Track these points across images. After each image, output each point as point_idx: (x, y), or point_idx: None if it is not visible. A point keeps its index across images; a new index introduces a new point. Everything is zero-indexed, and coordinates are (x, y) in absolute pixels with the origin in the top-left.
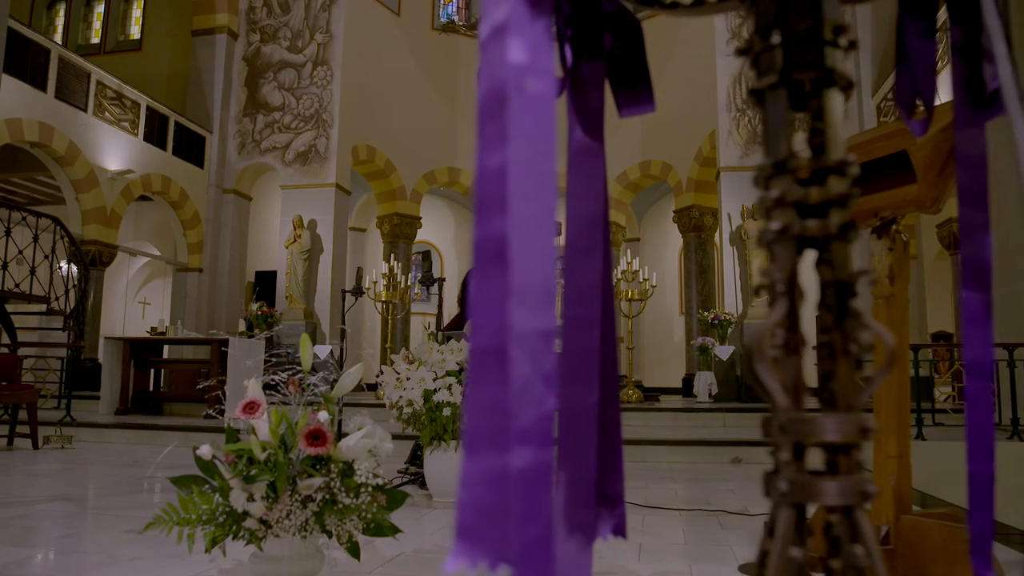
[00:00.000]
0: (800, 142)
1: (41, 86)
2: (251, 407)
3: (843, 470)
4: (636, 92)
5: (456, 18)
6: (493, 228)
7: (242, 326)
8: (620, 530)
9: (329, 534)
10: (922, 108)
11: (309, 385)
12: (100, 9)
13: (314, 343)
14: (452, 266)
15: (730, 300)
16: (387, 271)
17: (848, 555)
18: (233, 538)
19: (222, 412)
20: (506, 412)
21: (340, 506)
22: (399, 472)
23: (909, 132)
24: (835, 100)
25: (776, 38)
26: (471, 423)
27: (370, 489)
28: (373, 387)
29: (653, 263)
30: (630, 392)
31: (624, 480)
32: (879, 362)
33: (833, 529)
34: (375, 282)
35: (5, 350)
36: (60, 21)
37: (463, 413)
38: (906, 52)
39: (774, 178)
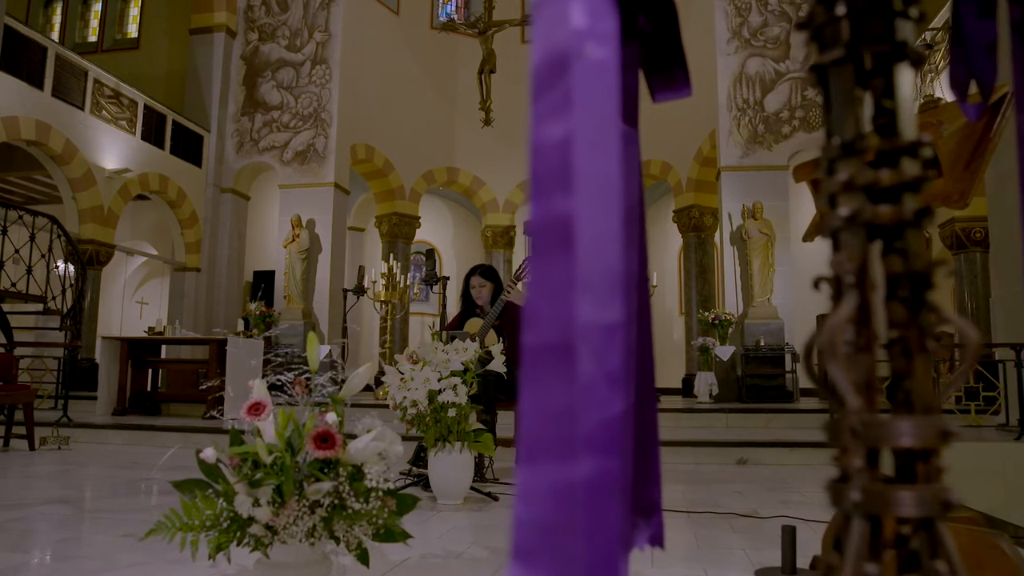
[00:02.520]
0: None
1: (38, 84)
2: (256, 408)
3: (921, 478)
4: (671, 76)
5: (455, 17)
6: (555, 208)
7: (240, 326)
8: (657, 539)
9: (337, 540)
10: (976, 92)
11: (316, 386)
12: (97, 8)
13: None
14: (451, 266)
15: (730, 300)
16: (386, 271)
17: (930, 572)
18: (238, 544)
19: (222, 413)
20: (570, 417)
21: (349, 511)
22: (402, 474)
23: (934, 125)
24: (905, 76)
25: (841, 9)
26: (528, 429)
27: (380, 493)
28: (370, 388)
29: (653, 263)
30: None
31: (661, 486)
32: (962, 359)
33: (910, 543)
34: (374, 282)
35: (1, 350)
36: (57, 19)
37: (519, 418)
38: (962, 33)
39: (841, 160)
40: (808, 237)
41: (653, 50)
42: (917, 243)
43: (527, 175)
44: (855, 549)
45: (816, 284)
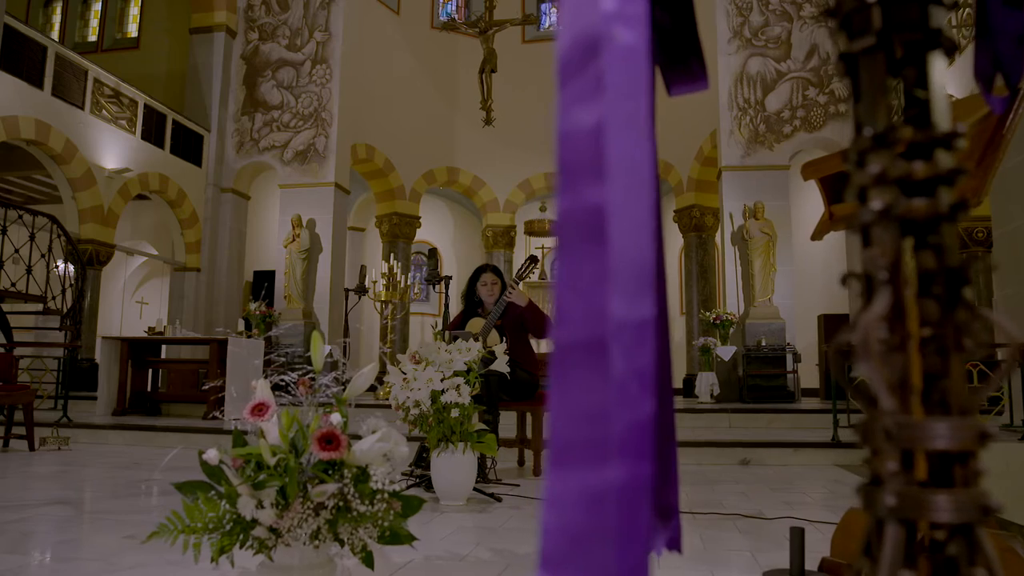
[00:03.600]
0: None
1: (38, 83)
2: (260, 409)
3: (959, 482)
4: (687, 69)
5: (456, 16)
6: (586, 198)
7: (241, 326)
8: (675, 544)
9: (342, 543)
10: (1002, 84)
11: (321, 386)
12: (97, 7)
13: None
14: (451, 266)
15: (731, 300)
16: (387, 270)
17: None
18: (241, 547)
19: (223, 413)
20: (603, 418)
21: (355, 514)
22: (404, 475)
23: None
24: (939, 65)
25: None
26: (558, 432)
27: (386, 495)
28: (373, 388)
29: None
30: None
31: (679, 489)
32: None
33: (946, 549)
34: (375, 282)
35: (1, 350)
36: (57, 19)
37: (548, 420)
38: (987, 22)
39: (872, 152)
40: (816, 236)
41: (669, 42)
42: (952, 238)
43: (554, 164)
44: (890, 556)
45: (844, 281)
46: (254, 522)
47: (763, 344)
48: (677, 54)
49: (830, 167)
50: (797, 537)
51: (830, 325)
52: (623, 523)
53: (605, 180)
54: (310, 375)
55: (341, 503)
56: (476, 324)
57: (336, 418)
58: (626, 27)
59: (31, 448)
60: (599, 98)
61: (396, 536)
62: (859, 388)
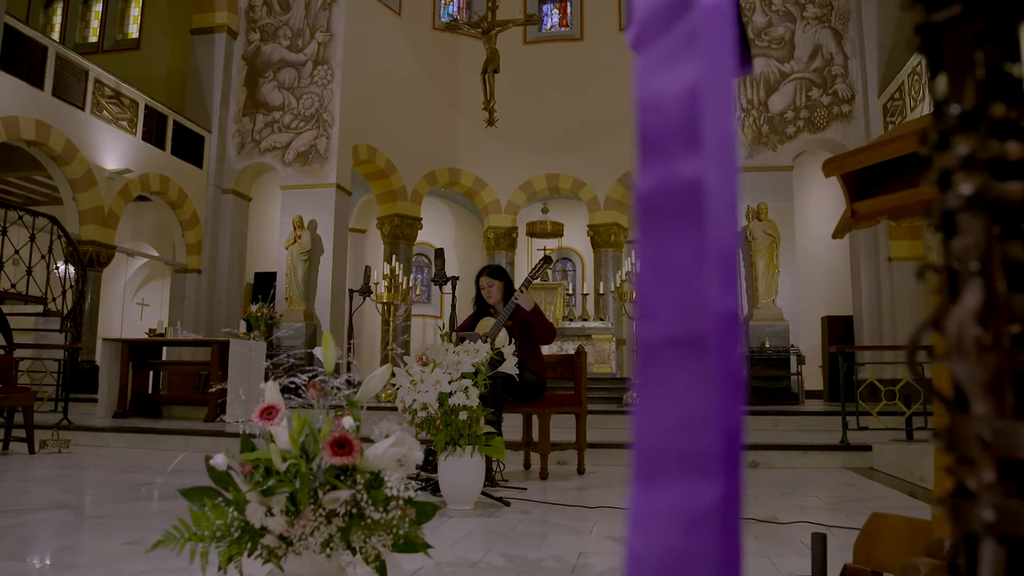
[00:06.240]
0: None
1: (38, 84)
2: (269, 412)
3: None
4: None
5: (458, 17)
6: (679, 171)
7: (243, 327)
8: None
9: (354, 551)
10: None
11: (332, 388)
12: (98, 8)
13: (315, 345)
14: (452, 267)
15: None
16: (389, 272)
17: None
18: (250, 555)
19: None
20: (701, 426)
21: (368, 521)
22: (409, 478)
23: None
24: None
25: None
26: (646, 442)
27: (400, 502)
28: None
29: None
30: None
31: None
32: None
33: None
34: (376, 283)
35: (1, 351)
36: (58, 20)
37: (633, 428)
38: None
39: (959, 133)
40: (838, 234)
41: None
42: None
43: (635, 135)
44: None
45: (920, 274)
46: (263, 530)
47: (767, 346)
48: None
49: (853, 163)
50: (819, 543)
51: (833, 327)
52: (724, 544)
53: (702, 150)
54: (320, 377)
55: (354, 510)
56: (486, 324)
57: (348, 421)
58: None
59: (31, 451)
60: (690, 59)
61: (411, 544)
62: (933, 388)
